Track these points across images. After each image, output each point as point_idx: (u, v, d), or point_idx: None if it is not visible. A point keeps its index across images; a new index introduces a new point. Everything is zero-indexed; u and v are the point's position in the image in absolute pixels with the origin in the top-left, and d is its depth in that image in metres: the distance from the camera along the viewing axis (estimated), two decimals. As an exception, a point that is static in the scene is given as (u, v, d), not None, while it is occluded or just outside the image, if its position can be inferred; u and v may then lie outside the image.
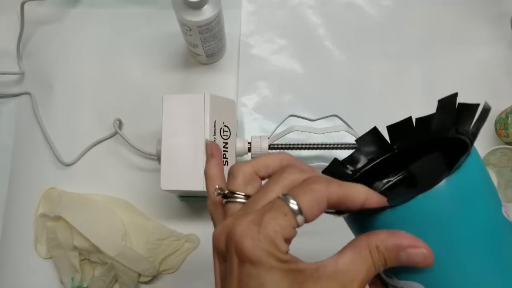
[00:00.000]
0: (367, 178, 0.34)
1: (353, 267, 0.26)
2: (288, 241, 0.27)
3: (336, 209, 0.29)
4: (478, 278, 0.26)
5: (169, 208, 0.61)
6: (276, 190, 0.26)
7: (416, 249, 0.25)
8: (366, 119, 0.62)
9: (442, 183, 0.25)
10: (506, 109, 0.61)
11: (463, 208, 0.26)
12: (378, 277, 0.32)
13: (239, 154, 0.53)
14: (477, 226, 0.26)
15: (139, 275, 0.58)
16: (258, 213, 0.25)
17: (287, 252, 0.27)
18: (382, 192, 0.27)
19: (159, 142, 0.51)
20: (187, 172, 0.48)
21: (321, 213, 0.27)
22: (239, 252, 0.24)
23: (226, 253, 0.25)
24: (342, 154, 0.62)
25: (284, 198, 0.25)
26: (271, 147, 0.54)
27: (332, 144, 0.56)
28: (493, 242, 0.26)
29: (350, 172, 0.34)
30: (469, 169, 0.26)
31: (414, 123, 0.33)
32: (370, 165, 0.34)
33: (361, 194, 0.27)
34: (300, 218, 0.26)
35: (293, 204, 0.25)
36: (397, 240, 0.26)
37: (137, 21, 0.68)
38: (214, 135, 0.49)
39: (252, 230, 0.24)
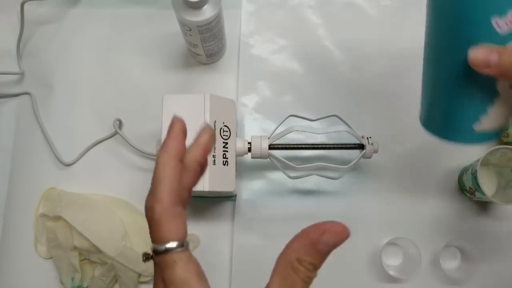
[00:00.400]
0: None
1: None
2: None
3: None
4: None
5: (169, 208, 0.61)
6: None
7: (326, 234, 0.27)
8: (366, 119, 0.63)
9: None
10: (506, 109, 0.61)
11: None
12: None
13: (239, 154, 0.53)
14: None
15: (139, 275, 0.58)
16: None
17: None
18: None
19: (159, 142, 0.51)
20: (187, 172, 0.48)
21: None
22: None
23: None
24: (343, 154, 0.62)
25: (181, 245, 0.28)
26: (271, 147, 0.54)
27: (332, 144, 0.56)
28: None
29: None
30: None
31: None
32: None
33: None
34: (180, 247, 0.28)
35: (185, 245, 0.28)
36: (307, 240, 0.27)
37: (137, 21, 0.68)
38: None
39: None
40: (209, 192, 0.48)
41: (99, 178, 0.62)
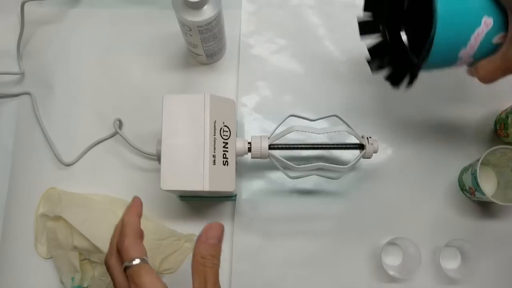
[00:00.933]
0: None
1: (202, 285, 0.37)
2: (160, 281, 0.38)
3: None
4: None
5: (169, 208, 0.61)
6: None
7: (209, 231, 0.39)
8: (366, 119, 0.63)
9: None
10: (506, 109, 0.61)
11: None
12: None
13: (239, 154, 0.53)
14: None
15: (139, 275, 0.58)
16: None
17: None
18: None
19: (159, 142, 0.51)
20: (187, 172, 0.48)
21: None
22: None
23: None
24: (342, 154, 0.62)
25: (128, 263, 0.39)
26: (271, 147, 0.54)
27: (332, 144, 0.56)
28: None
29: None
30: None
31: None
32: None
33: None
34: (138, 261, 0.39)
35: (131, 261, 0.39)
36: (201, 241, 0.38)
37: (137, 21, 0.68)
38: (214, 135, 0.49)
39: None
40: (209, 192, 0.48)
41: (99, 178, 0.62)
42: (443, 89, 0.65)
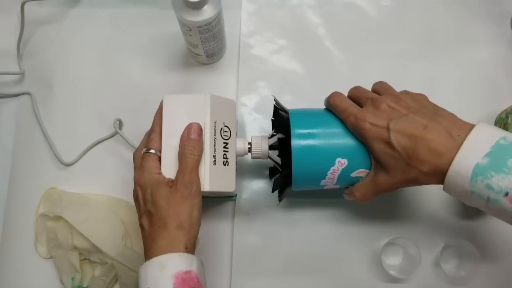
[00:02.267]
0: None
1: (181, 171, 0.47)
2: (159, 168, 0.48)
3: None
4: None
5: (169, 208, 0.61)
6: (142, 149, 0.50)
7: (188, 129, 0.48)
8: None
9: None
10: (506, 109, 0.61)
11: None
12: None
13: (239, 154, 0.53)
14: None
15: (139, 275, 0.58)
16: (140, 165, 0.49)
17: (159, 173, 0.48)
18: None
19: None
20: (187, 172, 0.48)
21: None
22: (136, 184, 0.48)
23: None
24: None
25: (146, 150, 0.49)
26: (271, 147, 0.54)
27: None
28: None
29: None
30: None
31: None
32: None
33: None
34: (153, 152, 0.48)
35: (149, 150, 0.48)
36: (183, 137, 0.48)
37: (137, 21, 0.68)
38: (215, 135, 0.49)
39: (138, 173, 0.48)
40: (209, 192, 0.48)
41: (99, 178, 0.62)
42: (443, 89, 0.65)
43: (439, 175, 0.42)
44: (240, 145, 0.53)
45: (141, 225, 0.47)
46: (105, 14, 0.68)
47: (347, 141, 0.48)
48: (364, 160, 0.48)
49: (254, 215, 0.61)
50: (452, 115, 0.45)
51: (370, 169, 0.48)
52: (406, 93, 0.48)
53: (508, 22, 0.67)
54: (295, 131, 0.49)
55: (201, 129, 0.48)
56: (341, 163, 0.48)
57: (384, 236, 0.59)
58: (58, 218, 0.58)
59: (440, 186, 0.62)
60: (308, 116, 0.51)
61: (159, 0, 0.68)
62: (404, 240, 0.58)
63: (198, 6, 0.53)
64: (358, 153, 0.48)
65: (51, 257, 0.59)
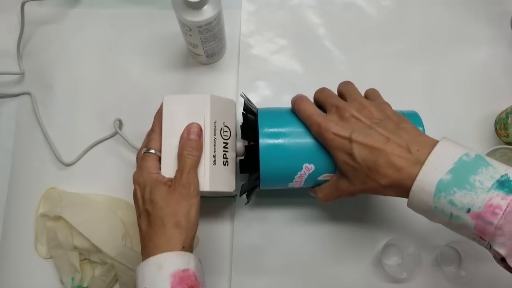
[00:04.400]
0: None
1: (180, 171, 0.47)
2: (158, 168, 0.48)
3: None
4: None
5: (169, 208, 0.61)
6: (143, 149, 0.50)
7: (187, 129, 0.48)
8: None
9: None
10: (506, 109, 0.61)
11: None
12: None
13: (239, 154, 0.53)
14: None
15: (139, 275, 0.58)
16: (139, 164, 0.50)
17: (158, 173, 0.48)
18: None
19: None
20: (187, 172, 0.48)
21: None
22: (134, 183, 0.48)
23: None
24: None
25: (146, 150, 0.49)
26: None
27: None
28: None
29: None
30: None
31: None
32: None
33: None
34: (153, 152, 0.49)
35: (149, 150, 0.49)
36: (182, 138, 0.48)
37: (137, 21, 0.68)
38: (215, 135, 0.49)
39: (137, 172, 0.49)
40: (209, 192, 0.48)
41: (99, 178, 0.62)
42: (443, 89, 0.65)
43: (397, 189, 0.42)
44: (240, 145, 0.53)
45: (139, 225, 0.47)
46: (105, 14, 0.68)
47: (314, 145, 0.48)
48: (330, 164, 0.49)
49: (254, 215, 0.61)
50: (415, 128, 0.45)
51: (335, 173, 0.49)
52: (370, 101, 0.48)
53: (508, 22, 0.67)
54: (263, 130, 0.49)
55: (201, 130, 0.48)
56: (308, 168, 0.49)
57: (384, 236, 0.60)
58: (58, 218, 0.58)
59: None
60: (276, 115, 0.51)
61: (159, 0, 0.68)
62: (404, 240, 0.58)
63: (198, 6, 0.53)
64: (325, 158, 0.48)
65: (51, 257, 0.59)
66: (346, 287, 0.59)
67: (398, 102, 0.64)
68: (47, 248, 0.59)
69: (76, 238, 0.57)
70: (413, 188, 0.40)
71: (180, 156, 0.47)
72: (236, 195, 0.60)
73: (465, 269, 0.59)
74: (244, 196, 0.54)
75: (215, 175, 0.48)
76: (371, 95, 0.50)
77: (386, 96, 0.64)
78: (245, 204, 0.57)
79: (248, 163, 0.52)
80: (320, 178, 0.50)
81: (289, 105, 0.64)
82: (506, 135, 0.61)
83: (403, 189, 0.42)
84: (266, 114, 0.51)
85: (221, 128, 0.50)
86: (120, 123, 0.64)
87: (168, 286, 0.42)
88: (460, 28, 0.68)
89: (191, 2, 0.52)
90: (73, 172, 0.63)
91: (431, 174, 0.39)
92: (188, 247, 0.45)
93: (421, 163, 0.40)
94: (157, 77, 0.65)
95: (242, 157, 0.53)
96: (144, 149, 0.49)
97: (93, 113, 0.64)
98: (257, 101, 0.64)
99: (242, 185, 0.53)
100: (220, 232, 0.60)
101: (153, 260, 0.43)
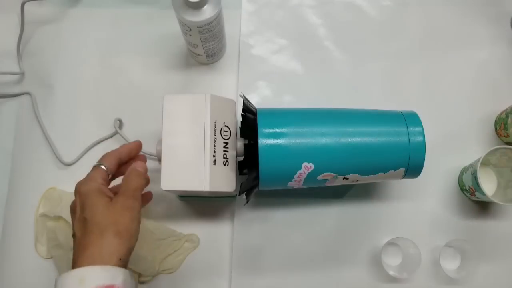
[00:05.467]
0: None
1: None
2: (105, 181, 0.48)
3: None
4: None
5: (169, 208, 0.61)
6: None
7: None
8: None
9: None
10: (506, 109, 0.61)
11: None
12: None
13: (239, 154, 0.53)
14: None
15: (139, 275, 0.58)
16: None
17: (103, 184, 0.47)
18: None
19: (159, 142, 0.51)
20: (188, 172, 0.48)
21: (116, 165, 0.50)
22: (75, 192, 0.46)
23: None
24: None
25: (97, 164, 0.49)
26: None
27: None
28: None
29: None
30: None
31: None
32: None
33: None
34: (103, 167, 0.48)
35: (100, 164, 0.48)
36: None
37: (137, 21, 0.68)
38: (215, 135, 0.49)
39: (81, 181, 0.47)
40: (209, 192, 0.48)
41: (99, 178, 0.62)
42: (443, 89, 0.65)
43: None
44: (240, 145, 0.53)
45: (73, 235, 0.45)
46: (105, 14, 0.68)
47: (313, 144, 0.49)
48: (330, 164, 0.49)
49: (254, 215, 0.61)
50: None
51: (335, 172, 0.49)
52: None
53: (508, 22, 0.67)
54: (262, 130, 0.49)
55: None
56: (307, 167, 0.49)
57: (384, 236, 0.60)
58: (58, 218, 0.58)
59: (444, 186, 0.62)
60: (275, 115, 0.51)
61: (159, 0, 0.68)
62: (404, 240, 0.58)
63: (198, 6, 0.53)
64: (324, 157, 0.49)
65: (51, 257, 0.59)
66: (346, 287, 0.59)
67: (397, 102, 0.64)
68: (47, 248, 0.59)
69: (76, 238, 0.57)
70: None
71: (129, 176, 0.47)
72: (236, 195, 0.60)
73: (465, 269, 0.59)
74: (244, 196, 0.54)
75: (216, 175, 0.48)
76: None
77: (386, 96, 0.65)
78: (244, 204, 0.57)
79: (248, 163, 0.52)
80: (320, 177, 0.50)
81: (289, 105, 0.64)
82: (506, 135, 0.61)
83: None
84: (265, 114, 0.51)
85: (221, 128, 0.50)
86: (120, 123, 0.64)
87: None
88: (460, 28, 0.68)
89: (191, 2, 0.52)
90: (73, 172, 0.62)
91: None
92: (125, 260, 0.43)
93: None
94: (157, 77, 0.65)
95: (242, 158, 0.53)
96: (96, 163, 0.49)
97: (93, 113, 0.64)
98: (257, 101, 0.64)
99: (241, 184, 0.53)
100: (220, 232, 0.60)
101: (75, 273, 0.40)
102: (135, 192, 0.46)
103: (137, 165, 0.49)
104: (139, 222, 0.45)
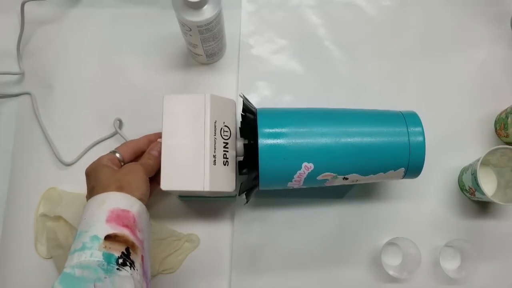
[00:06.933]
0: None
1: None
2: (115, 165, 0.50)
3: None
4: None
5: (169, 208, 0.61)
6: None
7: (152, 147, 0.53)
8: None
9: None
10: (506, 109, 0.61)
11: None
12: None
13: (239, 154, 0.53)
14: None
15: (139, 275, 0.58)
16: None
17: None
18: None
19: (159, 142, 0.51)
20: (188, 172, 0.48)
21: (132, 155, 0.53)
22: (85, 174, 0.50)
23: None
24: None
25: (113, 151, 0.52)
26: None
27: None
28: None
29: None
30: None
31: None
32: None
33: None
34: (117, 154, 0.51)
35: (115, 152, 0.52)
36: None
37: (137, 21, 0.68)
38: (215, 135, 0.49)
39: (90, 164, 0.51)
40: (209, 192, 0.48)
41: (99, 178, 0.62)
42: (443, 89, 0.65)
43: None
44: (240, 145, 0.53)
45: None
46: (105, 14, 0.68)
47: (313, 144, 0.49)
48: (330, 163, 0.49)
49: (254, 215, 0.61)
50: None
51: (335, 172, 0.49)
52: None
53: (508, 22, 0.67)
54: (262, 130, 0.49)
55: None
56: (307, 167, 0.49)
57: (384, 236, 0.60)
58: (58, 218, 0.58)
59: (444, 186, 0.62)
60: (275, 115, 0.51)
61: (159, 0, 0.68)
62: (404, 240, 0.58)
63: (198, 6, 0.53)
64: (324, 157, 0.49)
65: (51, 257, 0.59)
66: (346, 287, 0.59)
67: (397, 102, 0.64)
68: (47, 248, 0.59)
69: (76, 238, 0.57)
70: None
71: (147, 154, 0.52)
72: (236, 195, 0.60)
73: (465, 269, 0.59)
74: (244, 196, 0.54)
75: (216, 175, 0.48)
76: None
77: (386, 96, 0.65)
78: (244, 204, 0.57)
79: (248, 163, 0.52)
80: (320, 177, 0.50)
81: (289, 105, 0.64)
82: (506, 135, 0.61)
83: None
84: (265, 114, 0.51)
85: (221, 128, 0.50)
86: (120, 123, 0.64)
87: (103, 218, 0.43)
88: (460, 28, 0.68)
89: (191, 2, 0.52)
90: (73, 172, 0.63)
91: None
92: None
93: None
94: (157, 77, 0.65)
95: (242, 158, 0.53)
96: (112, 150, 0.52)
97: (93, 113, 0.64)
98: (257, 101, 0.64)
99: (241, 184, 0.53)
100: (220, 232, 0.60)
101: (99, 197, 0.45)
102: (142, 164, 0.50)
103: (151, 148, 0.52)
104: (145, 182, 0.48)
